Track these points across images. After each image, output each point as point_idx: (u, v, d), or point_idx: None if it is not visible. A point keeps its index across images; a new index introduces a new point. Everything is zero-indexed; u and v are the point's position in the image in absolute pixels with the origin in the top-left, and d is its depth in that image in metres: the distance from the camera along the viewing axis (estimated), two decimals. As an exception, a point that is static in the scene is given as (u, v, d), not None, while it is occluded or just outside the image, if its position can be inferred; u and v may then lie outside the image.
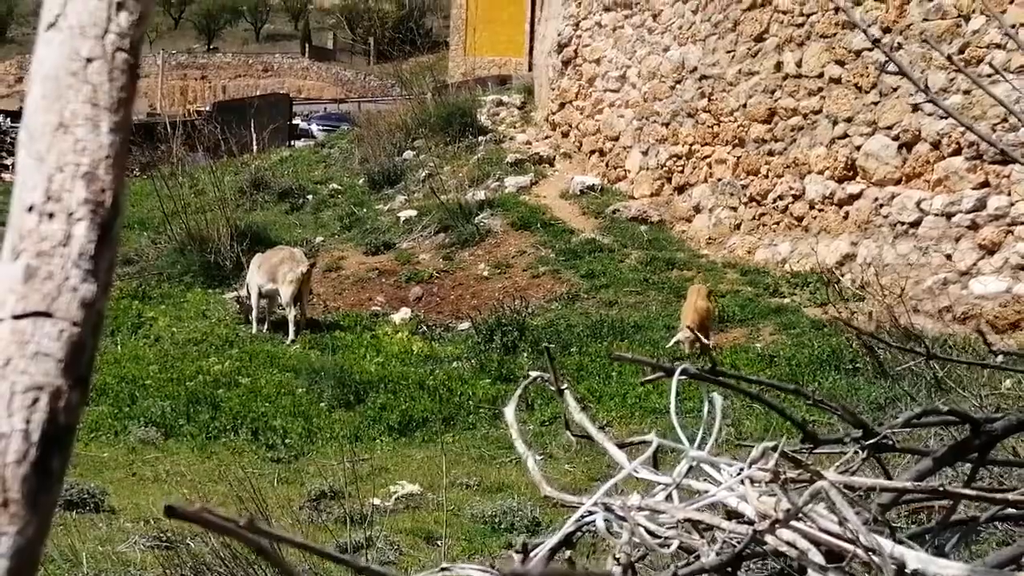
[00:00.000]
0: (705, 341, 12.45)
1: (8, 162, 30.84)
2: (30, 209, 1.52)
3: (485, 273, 16.67)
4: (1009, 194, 13.13)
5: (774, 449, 1.83)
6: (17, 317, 1.44)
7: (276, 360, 13.62)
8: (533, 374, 2.21)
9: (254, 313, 15.08)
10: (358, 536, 7.55)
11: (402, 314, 15.65)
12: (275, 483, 9.53)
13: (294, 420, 11.76)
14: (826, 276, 14.60)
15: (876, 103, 14.65)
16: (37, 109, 1.62)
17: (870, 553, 1.61)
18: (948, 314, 12.81)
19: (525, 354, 13.69)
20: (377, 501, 8.99)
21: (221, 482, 8.14)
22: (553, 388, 2.02)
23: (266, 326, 15.13)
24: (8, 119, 37.22)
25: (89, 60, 1.69)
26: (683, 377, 2.01)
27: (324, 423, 11.82)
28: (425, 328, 15.23)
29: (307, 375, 12.93)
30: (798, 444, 2.12)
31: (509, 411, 2.04)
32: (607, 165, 19.01)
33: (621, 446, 1.98)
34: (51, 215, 1.52)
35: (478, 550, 8.19)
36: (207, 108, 38.04)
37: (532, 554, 1.81)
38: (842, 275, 14.61)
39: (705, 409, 1.94)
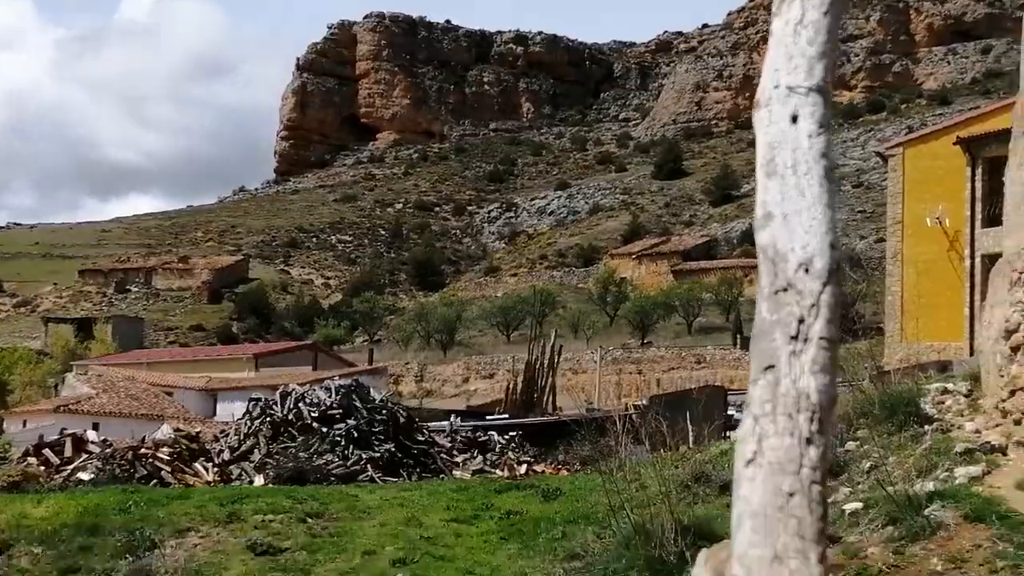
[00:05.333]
0: None
1: (458, 459, 32.37)
2: None
3: (939, 568, 15.96)
4: None
5: None
6: None
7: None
8: None
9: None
10: None
11: (852, 612, 15.14)
12: None
13: None
14: None
15: None
16: (751, 544, 1.79)
17: None
18: None
19: (988, 656, 12.93)
20: None
21: None
22: None
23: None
24: (458, 418, 39.24)
25: (791, 495, 1.87)
26: None
27: None
28: (877, 626, 14.66)
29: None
30: None
31: None
32: (1065, 453, 18.04)
33: None
34: None
35: None
36: (643, 402, 38.86)
37: None
38: None
39: None
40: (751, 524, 1.76)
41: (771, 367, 2.13)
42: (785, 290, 2.22)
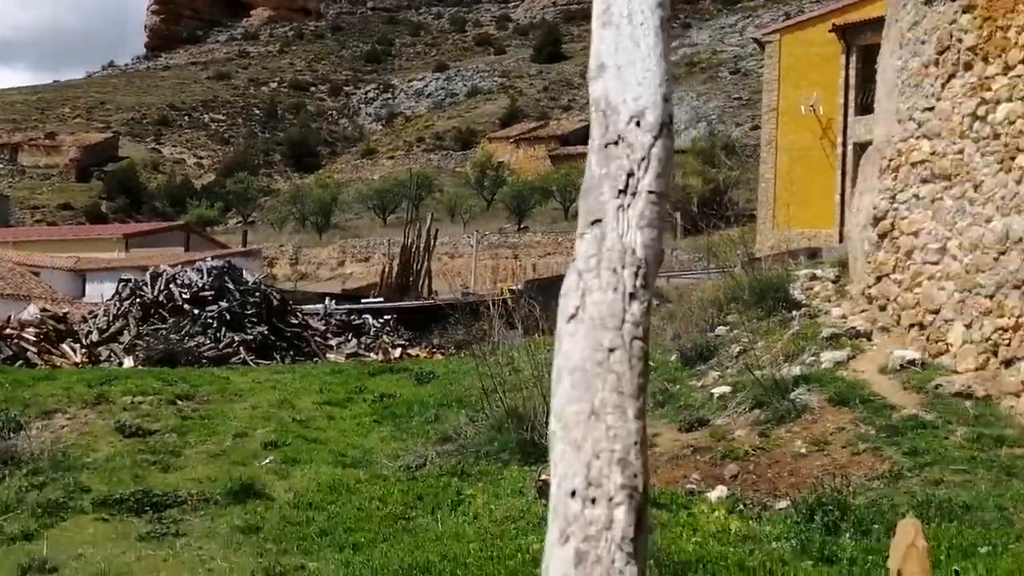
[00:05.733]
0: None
1: (332, 343, 32.25)
2: (572, 494, 1.60)
3: (803, 450, 16.31)
4: None
5: None
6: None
7: (593, 539, 13.54)
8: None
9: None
10: None
11: (718, 492, 15.42)
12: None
13: (613, 601, 11.65)
14: None
15: None
16: (569, 399, 1.71)
17: None
18: None
19: (848, 535, 13.25)
20: None
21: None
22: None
23: (582, 504, 15.13)
24: (333, 302, 39.06)
25: (611, 350, 1.78)
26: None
27: (643, 604, 11.65)
28: (742, 507, 14.95)
29: (624, 554, 12.82)
30: None
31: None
32: (927, 339, 18.47)
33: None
34: (593, 500, 1.59)
35: None
36: (518, 286, 39.01)
37: None
38: None
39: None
40: (570, 380, 1.68)
41: (598, 221, 2.07)
42: (616, 143, 2.16)
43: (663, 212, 2.09)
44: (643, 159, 2.09)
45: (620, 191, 2.08)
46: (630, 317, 1.73)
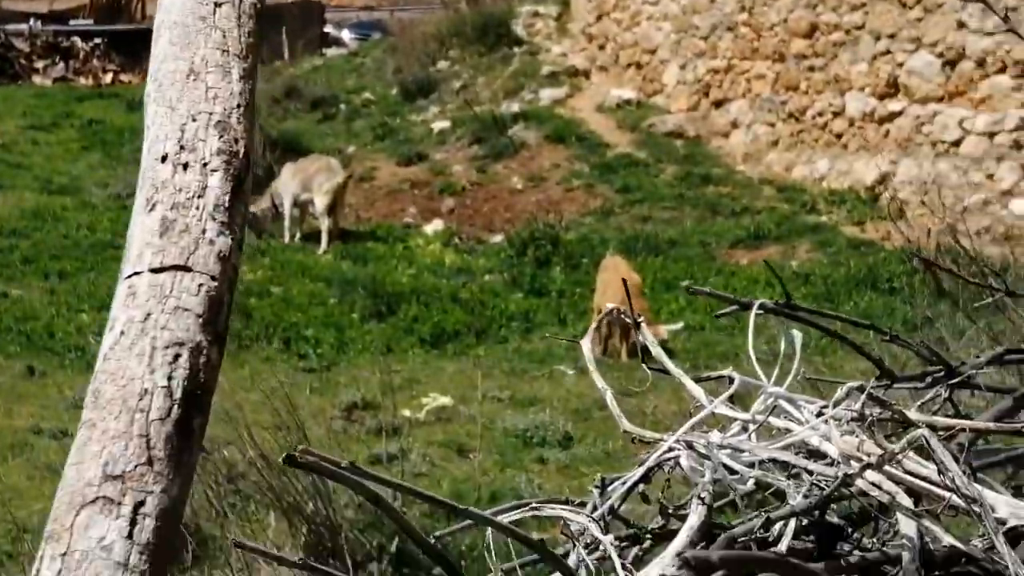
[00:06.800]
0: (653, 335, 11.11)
1: (39, 66, 30.73)
2: (163, 159, 1.44)
3: (519, 186, 16.56)
4: (1054, 115, 12.94)
5: (859, 389, 1.76)
6: (155, 271, 1.36)
7: (308, 270, 13.59)
8: (610, 306, 2.15)
9: (286, 222, 15.02)
10: (391, 447, 7.55)
11: (434, 226, 15.58)
12: (308, 393, 9.52)
13: (326, 330, 11.75)
14: (864, 194, 14.48)
15: (920, 19, 14.39)
16: (166, 57, 1.53)
17: (971, 503, 1.54)
18: (987, 234, 12.68)
19: (558, 268, 13.63)
20: (409, 413, 9.01)
21: (253, 391, 8.06)
22: (630, 320, 1.96)
23: (298, 235, 15.09)
24: (39, 22, 37.01)
25: (218, 5, 1.61)
26: (760, 312, 1.95)
27: (356, 334, 11.81)
28: (458, 240, 15.16)
29: (339, 285, 12.90)
30: (875, 381, 2.05)
31: (586, 345, 1.99)
32: (644, 79, 18.79)
33: (697, 380, 1.92)
34: (185, 166, 1.44)
35: (511, 464, 8.19)
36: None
37: (610, 489, 1.76)
38: (880, 193, 14.47)
39: (782, 345, 1.88)
40: (169, 36, 1.55)
41: None
42: None
43: None
44: None
45: None
46: None
